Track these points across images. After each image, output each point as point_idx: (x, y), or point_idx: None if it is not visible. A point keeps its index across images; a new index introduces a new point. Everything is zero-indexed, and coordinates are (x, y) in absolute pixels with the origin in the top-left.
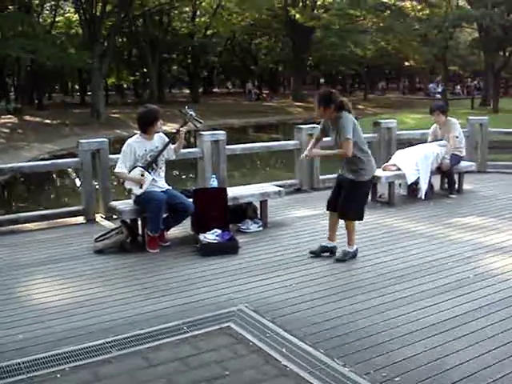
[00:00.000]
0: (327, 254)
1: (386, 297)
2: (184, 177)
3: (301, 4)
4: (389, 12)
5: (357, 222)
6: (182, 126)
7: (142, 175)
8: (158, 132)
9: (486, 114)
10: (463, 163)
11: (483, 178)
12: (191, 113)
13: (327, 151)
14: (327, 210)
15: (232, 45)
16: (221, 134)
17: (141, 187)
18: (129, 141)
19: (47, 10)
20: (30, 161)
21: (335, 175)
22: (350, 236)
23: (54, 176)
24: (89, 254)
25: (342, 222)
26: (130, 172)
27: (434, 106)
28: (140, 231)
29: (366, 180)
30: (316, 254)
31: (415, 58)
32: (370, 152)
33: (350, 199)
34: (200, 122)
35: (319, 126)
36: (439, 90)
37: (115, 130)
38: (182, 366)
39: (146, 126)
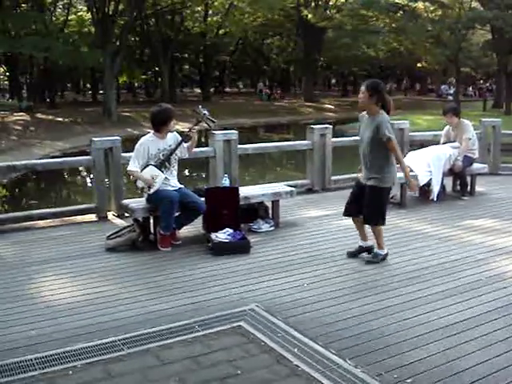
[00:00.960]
0: (365, 253)
1: (398, 298)
2: (195, 175)
3: (313, 4)
4: (401, 13)
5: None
6: (195, 125)
7: (153, 178)
8: (171, 131)
9: (498, 116)
10: (476, 165)
11: (496, 180)
12: (205, 112)
13: (406, 171)
14: (344, 215)
15: (244, 44)
16: (233, 134)
17: (149, 189)
18: (142, 139)
19: (60, 8)
20: (41, 158)
21: (347, 176)
22: (378, 240)
23: (66, 174)
24: (101, 252)
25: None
26: (142, 170)
27: (447, 108)
28: (152, 229)
29: (383, 187)
30: (353, 254)
31: (427, 59)
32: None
33: (373, 205)
34: (213, 122)
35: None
36: (451, 91)
37: (126, 128)
38: (194, 365)
39: (160, 124)
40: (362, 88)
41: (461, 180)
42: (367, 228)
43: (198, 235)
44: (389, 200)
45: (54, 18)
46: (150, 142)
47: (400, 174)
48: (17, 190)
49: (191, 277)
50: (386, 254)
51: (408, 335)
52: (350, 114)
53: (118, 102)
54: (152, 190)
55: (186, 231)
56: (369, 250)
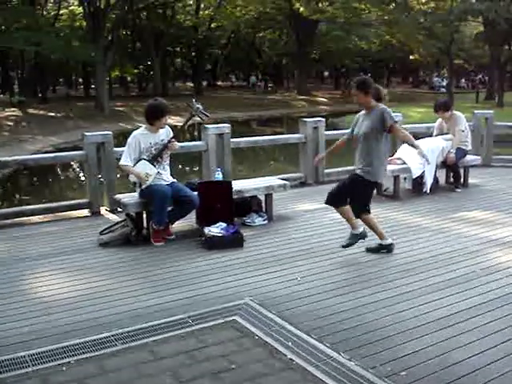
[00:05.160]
0: (362, 240)
1: (392, 291)
2: (188, 169)
3: None
4: (394, 5)
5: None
6: (188, 119)
7: (147, 176)
8: (163, 127)
9: (490, 107)
10: (469, 157)
11: (488, 172)
12: (198, 106)
13: (418, 148)
14: (326, 203)
15: (236, 38)
16: (225, 127)
17: (140, 186)
18: (134, 133)
19: (51, 2)
20: (34, 153)
21: (340, 169)
22: (375, 231)
23: (58, 169)
24: (94, 247)
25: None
26: (135, 165)
27: (438, 105)
28: (145, 224)
29: (367, 179)
30: (349, 245)
31: (420, 51)
32: (386, 161)
33: (355, 196)
34: (207, 116)
35: (350, 128)
36: (444, 83)
37: (119, 122)
38: (188, 360)
39: (153, 118)
40: (354, 90)
41: (454, 172)
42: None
43: (192, 229)
44: (378, 193)
45: (45, 13)
46: (142, 136)
47: (394, 167)
48: (9, 186)
49: (185, 271)
50: (392, 244)
51: (402, 328)
52: (343, 107)
53: (110, 97)
54: (144, 185)
55: (179, 225)
56: (363, 236)
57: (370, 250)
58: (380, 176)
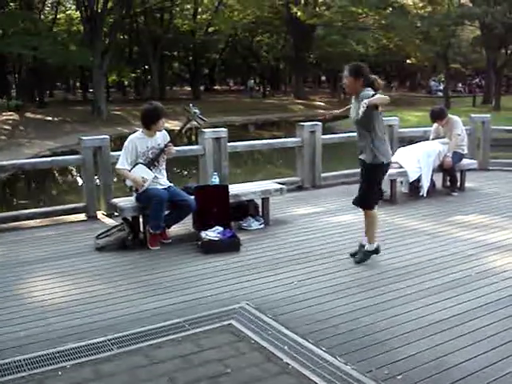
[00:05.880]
0: (375, 254)
1: (388, 295)
2: (186, 173)
3: (302, 1)
4: (390, 9)
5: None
6: (185, 124)
7: (143, 180)
8: (160, 130)
9: (487, 111)
10: (465, 161)
11: (485, 176)
12: (195, 110)
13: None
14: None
15: (233, 42)
16: (222, 132)
17: (136, 191)
18: (131, 137)
19: (48, 6)
20: (31, 158)
21: (337, 173)
22: (368, 230)
23: (56, 173)
24: (90, 251)
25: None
26: (131, 169)
27: (433, 115)
28: (141, 228)
29: (376, 163)
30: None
31: (417, 55)
32: (386, 138)
33: (364, 184)
34: (204, 120)
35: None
36: (441, 87)
37: (116, 127)
38: (184, 364)
39: (149, 122)
40: (345, 73)
41: (450, 176)
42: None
43: (188, 233)
44: (382, 178)
45: (42, 17)
46: (138, 140)
47: (391, 171)
48: (5, 190)
49: (181, 275)
50: (376, 249)
51: (398, 331)
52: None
53: (107, 101)
54: (141, 190)
55: (175, 230)
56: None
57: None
58: (387, 155)
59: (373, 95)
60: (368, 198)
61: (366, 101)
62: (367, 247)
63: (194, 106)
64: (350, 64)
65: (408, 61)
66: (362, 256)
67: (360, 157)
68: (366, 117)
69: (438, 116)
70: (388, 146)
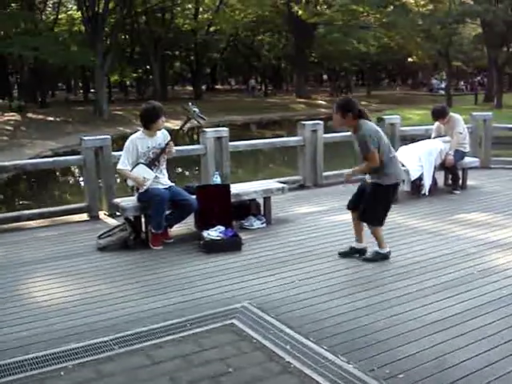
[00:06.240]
0: (357, 255)
1: (390, 293)
2: (187, 173)
3: (303, 0)
4: (392, 8)
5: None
6: (185, 123)
7: (144, 179)
8: (160, 129)
9: (489, 109)
10: (467, 159)
11: (487, 174)
12: (195, 109)
13: (356, 168)
14: (347, 208)
15: (235, 41)
16: (224, 131)
17: (137, 190)
18: (131, 137)
19: (50, 7)
20: (32, 158)
21: (338, 171)
22: (378, 241)
23: (57, 173)
24: (92, 251)
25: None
26: (132, 169)
27: (435, 114)
28: (143, 228)
29: (389, 184)
30: (344, 255)
31: (418, 53)
32: (395, 155)
33: (370, 203)
34: (203, 119)
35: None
36: (443, 85)
37: (118, 127)
38: (185, 364)
39: (149, 122)
40: (333, 109)
41: (452, 174)
42: (366, 229)
43: (190, 233)
44: (393, 200)
45: (43, 17)
46: (138, 140)
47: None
48: (7, 191)
49: (183, 275)
50: (389, 253)
51: (400, 330)
52: None
53: (109, 101)
54: (144, 188)
55: (177, 229)
56: (361, 252)
57: (342, 254)
58: (396, 176)
59: (369, 135)
60: (379, 215)
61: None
62: (379, 250)
63: (194, 104)
64: (338, 99)
65: (409, 59)
66: (373, 256)
67: (368, 180)
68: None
69: (439, 114)
70: (399, 165)
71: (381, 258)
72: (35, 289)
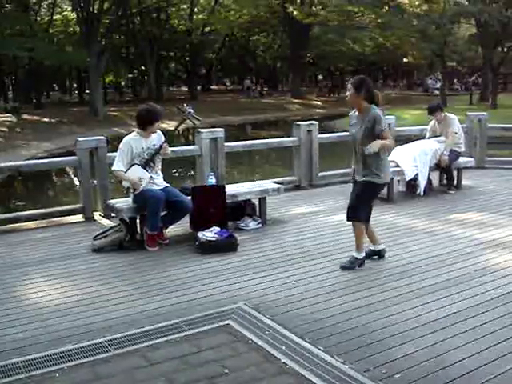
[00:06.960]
0: (376, 257)
1: (386, 293)
2: (182, 174)
3: (298, 1)
4: (387, 8)
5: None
6: (180, 123)
7: (140, 180)
8: (154, 132)
9: (484, 109)
10: (462, 159)
11: (482, 174)
12: (189, 110)
13: (385, 142)
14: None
15: (230, 42)
16: (219, 132)
17: (133, 191)
18: (126, 138)
19: (44, 8)
20: (28, 159)
21: (334, 172)
22: (358, 242)
23: (53, 174)
24: (87, 253)
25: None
26: (127, 170)
27: (432, 108)
28: (138, 229)
29: (379, 183)
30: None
31: (413, 54)
32: (387, 157)
33: (354, 198)
34: (198, 120)
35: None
36: (438, 85)
37: (113, 127)
38: (182, 365)
39: (145, 123)
40: (349, 86)
41: (447, 174)
42: (375, 229)
43: (185, 234)
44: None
45: (38, 18)
46: (133, 141)
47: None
48: (2, 192)
49: (178, 276)
50: (364, 258)
51: (396, 330)
52: (338, 110)
53: (104, 102)
54: (137, 191)
55: (172, 230)
56: (379, 254)
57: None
58: (389, 175)
59: (381, 118)
60: (360, 210)
61: (375, 148)
62: (355, 254)
63: (189, 105)
64: (355, 77)
65: (405, 59)
66: (350, 264)
67: (358, 177)
68: (371, 139)
69: (435, 109)
70: (389, 166)
71: (358, 263)
72: (31, 290)
